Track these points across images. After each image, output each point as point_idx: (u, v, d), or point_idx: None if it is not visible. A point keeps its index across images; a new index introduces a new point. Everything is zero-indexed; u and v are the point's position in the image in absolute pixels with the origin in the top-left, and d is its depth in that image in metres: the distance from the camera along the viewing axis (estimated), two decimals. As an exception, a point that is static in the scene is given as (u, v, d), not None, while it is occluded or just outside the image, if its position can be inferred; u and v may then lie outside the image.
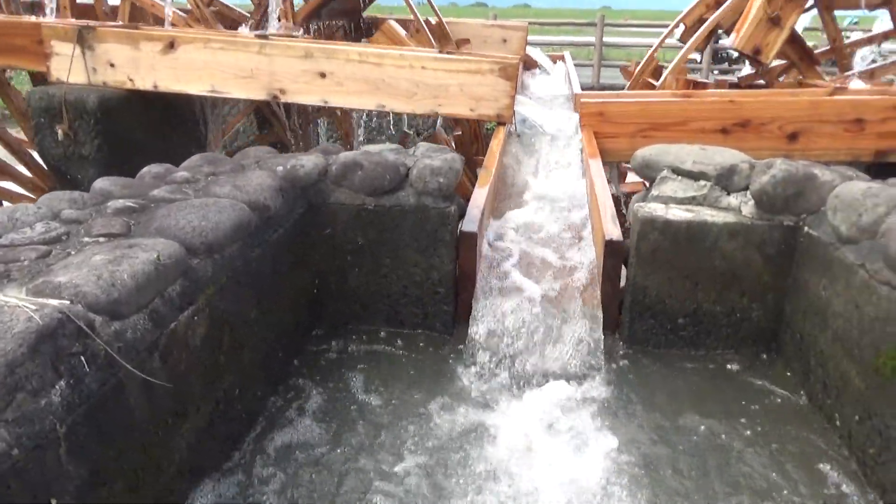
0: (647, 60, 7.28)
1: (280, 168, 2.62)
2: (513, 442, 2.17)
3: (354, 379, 2.48)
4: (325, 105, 4.50)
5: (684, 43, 6.74)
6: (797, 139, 4.17)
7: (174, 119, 4.69)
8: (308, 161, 2.68)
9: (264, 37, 4.43)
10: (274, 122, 6.29)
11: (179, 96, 4.46)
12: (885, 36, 6.70)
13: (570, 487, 1.97)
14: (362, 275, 2.78)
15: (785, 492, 1.96)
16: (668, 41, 7.73)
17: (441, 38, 6.16)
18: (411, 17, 6.22)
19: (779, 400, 2.40)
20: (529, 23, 8.54)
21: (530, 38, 13.26)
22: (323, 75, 4.24)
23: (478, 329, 2.61)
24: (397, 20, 6.21)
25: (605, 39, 15.43)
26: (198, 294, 1.85)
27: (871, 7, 6.54)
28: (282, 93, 4.33)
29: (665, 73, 6.30)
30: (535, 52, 7.39)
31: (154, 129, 4.54)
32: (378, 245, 2.73)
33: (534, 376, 2.49)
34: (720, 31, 6.26)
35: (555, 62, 7.26)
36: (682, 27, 7.18)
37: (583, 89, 5.63)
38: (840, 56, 6.70)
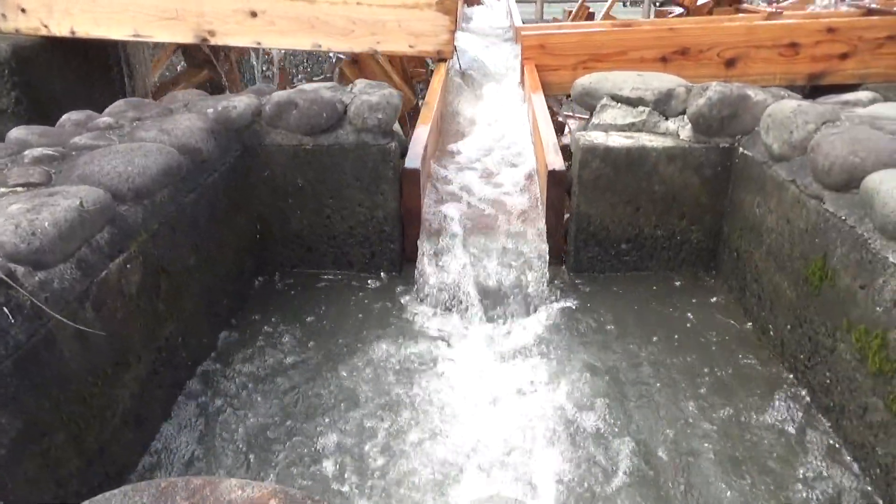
0: (580, 7, 7.17)
1: (211, 110, 2.51)
2: (464, 373, 2.20)
3: (302, 322, 2.46)
4: (259, 46, 4.32)
5: None
6: (735, 65, 4.22)
7: (97, 67, 4.42)
8: (240, 102, 2.57)
9: (188, -26, 4.18)
10: (206, 64, 5.99)
11: (100, 42, 4.21)
12: None
13: (518, 412, 2.02)
14: (305, 217, 2.73)
15: (722, 394, 2.06)
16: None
17: None
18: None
19: (718, 316, 2.50)
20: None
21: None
22: (254, 14, 4.04)
23: (425, 266, 2.61)
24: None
25: (548, -26, 15.17)
26: (128, 241, 1.78)
27: None
28: (211, 35, 4.12)
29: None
30: (475, -13, 7.21)
31: (76, 78, 4.28)
32: (319, 186, 2.67)
33: (482, 309, 2.52)
34: None
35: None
36: None
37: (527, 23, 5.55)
38: None
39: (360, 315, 2.52)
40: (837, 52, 4.18)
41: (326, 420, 1.97)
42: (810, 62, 4.22)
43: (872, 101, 2.65)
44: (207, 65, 5.35)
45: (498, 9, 6.70)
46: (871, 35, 4.11)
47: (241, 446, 1.87)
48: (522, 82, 4.16)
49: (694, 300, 2.60)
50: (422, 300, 2.57)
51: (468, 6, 6.58)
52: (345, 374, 2.18)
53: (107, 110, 2.55)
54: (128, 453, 1.76)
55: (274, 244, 2.77)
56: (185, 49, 5.83)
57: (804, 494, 1.71)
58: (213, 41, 4.19)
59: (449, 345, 2.36)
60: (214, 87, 5.68)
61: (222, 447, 1.87)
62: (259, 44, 4.21)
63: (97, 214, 1.69)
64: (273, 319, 2.48)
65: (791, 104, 2.35)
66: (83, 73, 4.31)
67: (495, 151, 3.27)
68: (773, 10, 4.85)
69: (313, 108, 2.56)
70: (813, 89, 4.16)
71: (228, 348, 2.31)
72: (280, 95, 2.61)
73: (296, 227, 2.75)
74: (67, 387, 1.51)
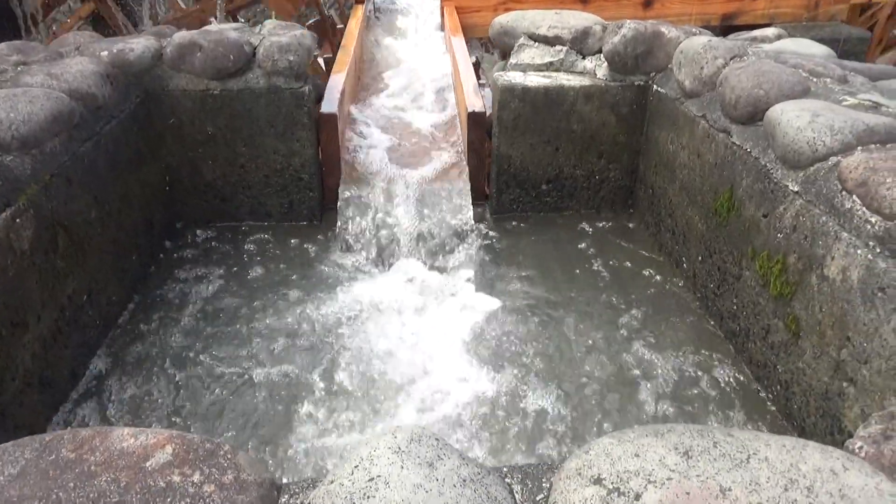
0: None
1: (105, 53, 2.33)
2: (388, 318, 2.19)
3: (220, 276, 2.38)
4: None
5: None
6: (652, 6, 4.25)
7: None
8: (138, 44, 2.40)
9: None
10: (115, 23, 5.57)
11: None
12: None
13: (441, 353, 2.03)
14: (218, 167, 2.61)
15: (636, 324, 2.13)
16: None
17: None
18: None
19: (635, 252, 2.57)
20: None
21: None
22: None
23: (346, 212, 2.55)
24: None
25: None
26: (16, 194, 1.65)
27: None
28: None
29: None
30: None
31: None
32: (231, 133, 2.55)
33: (406, 253, 2.50)
34: None
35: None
36: None
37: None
38: None
39: (282, 265, 2.46)
40: (749, -8, 4.27)
41: (253, 372, 1.93)
42: (724, 2, 4.29)
43: (778, 37, 2.73)
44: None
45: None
46: (780, -25, 4.20)
47: (159, 406, 1.81)
48: (442, 24, 4.07)
49: (612, 237, 2.66)
50: (344, 247, 2.53)
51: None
52: (269, 322, 2.13)
53: (-13, 54, 2.33)
54: (34, 416, 1.67)
55: (186, 196, 2.65)
56: (95, 22, 5.38)
57: (706, 406, 1.81)
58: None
59: (373, 286, 2.34)
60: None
61: (137, 409, 1.80)
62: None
63: (-24, 165, 1.55)
64: (189, 274, 2.39)
65: (702, 40, 2.38)
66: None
67: (414, 94, 3.20)
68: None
69: (219, 50, 2.41)
70: (726, 29, 4.25)
71: (143, 306, 2.22)
72: (182, 36, 2.45)
73: (208, 177, 2.63)
74: (-45, 350, 1.41)
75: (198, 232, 2.65)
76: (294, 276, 2.39)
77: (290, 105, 2.51)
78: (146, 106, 2.42)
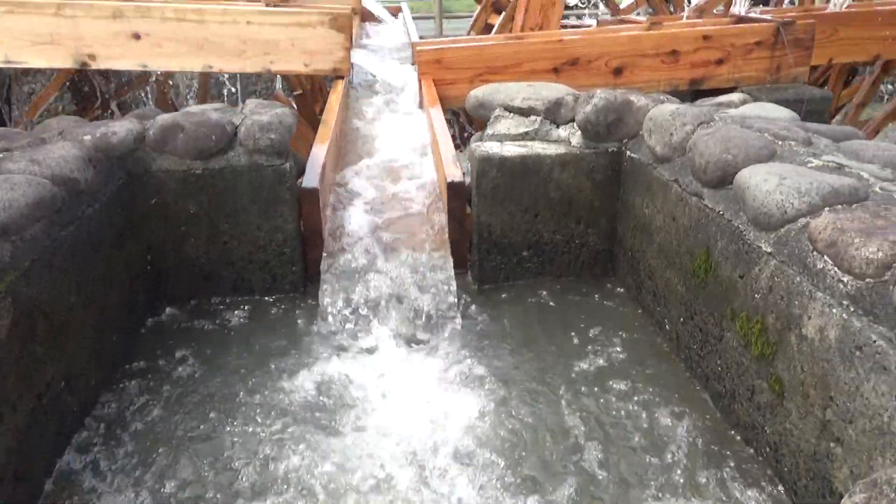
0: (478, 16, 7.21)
1: (88, 137, 2.37)
2: (370, 393, 2.16)
3: (202, 356, 2.35)
4: (145, 70, 4.14)
5: None
6: (622, 73, 4.41)
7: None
8: (121, 127, 2.45)
9: (62, -4, 3.96)
10: (93, 97, 5.69)
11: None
12: None
13: (426, 428, 2.00)
14: (201, 244, 2.62)
15: (624, 389, 2.12)
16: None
17: None
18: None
19: (617, 316, 2.58)
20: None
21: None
22: (138, 36, 3.88)
23: (329, 286, 2.56)
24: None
25: (446, -9, 15.42)
26: (-5, 282, 1.65)
27: None
28: (91, 59, 3.92)
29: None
30: (372, 5, 7.22)
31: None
32: (214, 211, 2.57)
33: (389, 325, 2.49)
34: None
35: (396, 15, 7.15)
36: None
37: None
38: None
39: (264, 341, 2.44)
40: (713, 58, 4.45)
41: (235, 465, 1.88)
42: (690, 68, 4.47)
43: (743, 102, 2.84)
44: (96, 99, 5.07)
45: (396, 25, 6.73)
46: (742, 42, 4.40)
47: (138, 498, 1.76)
48: (420, 97, 4.19)
49: (594, 302, 2.68)
50: (327, 321, 2.51)
51: (365, 23, 6.58)
52: (251, 406, 2.10)
53: (-30, 143, 2.36)
54: (6, 513, 1.61)
55: (168, 274, 2.65)
56: (73, 85, 5.52)
57: (698, 478, 1.79)
58: (95, 65, 3.99)
59: (356, 363, 2.32)
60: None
61: (115, 501, 1.74)
62: (145, 66, 4.04)
63: (-45, 255, 1.55)
64: (170, 355, 2.35)
65: (670, 108, 2.48)
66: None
67: (396, 165, 3.27)
68: (654, 21, 5.11)
69: (201, 131, 2.47)
70: (695, 93, 4.42)
71: (122, 391, 2.17)
72: (164, 119, 2.51)
73: (191, 255, 2.63)
74: (-74, 447, 1.37)
75: (180, 309, 2.63)
76: (275, 353, 2.36)
77: (272, 182, 2.55)
78: (129, 187, 2.45)
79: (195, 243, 2.62)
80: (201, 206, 2.56)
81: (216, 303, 2.68)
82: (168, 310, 2.63)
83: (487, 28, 6.81)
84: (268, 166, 2.53)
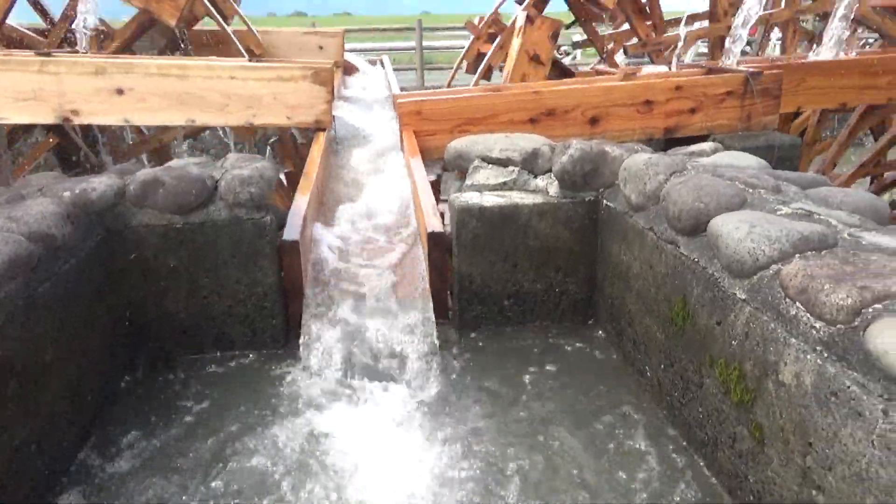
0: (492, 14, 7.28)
1: (67, 193, 2.38)
2: (354, 448, 2.13)
3: (181, 414, 2.31)
4: (127, 124, 4.18)
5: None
6: (598, 123, 4.52)
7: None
8: (100, 183, 2.46)
9: (46, 53, 4.02)
10: (78, 153, 5.68)
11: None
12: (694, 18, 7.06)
13: (407, 485, 1.97)
14: (181, 299, 2.60)
15: (604, 436, 2.11)
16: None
17: (252, 46, 5.94)
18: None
19: (598, 362, 2.59)
20: (347, 30, 8.51)
21: (353, 45, 13.21)
22: (121, 92, 3.93)
23: (310, 339, 2.54)
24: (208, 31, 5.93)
25: (426, 43, 15.83)
26: (-33, 342, 1.62)
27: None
28: (74, 114, 3.95)
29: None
30: (354, 58, 7.38)
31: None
32: (193, 265, 2.57)
33: (371, 379, 2.47)
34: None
35: (378, 65, 7.32)
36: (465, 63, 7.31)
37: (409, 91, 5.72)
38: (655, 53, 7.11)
39: (246, 398, 2.40)
40: (686, 107, 4.58)
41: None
42: (664, 117, 4.59)
43: (715, 151, 2.92)
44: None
45: (377, 77, 6.87)
46: (713, 91, 4.55)
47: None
48: (402, 148, 4.25)
49: (575, 350, 2.68)
50: (309, 374, 2.49)
51: (347, 75, 6.71)
52: (230, 472, 2.05)
53: (-53, 201, 2.35)
54: (-30, 585, 1.55)
55: (147, 330, 2.62)
56: (59, 145, 5.53)
57: (689, 530, 1.77)
58: (78, 120, 4.02)
59: (338, 418, 2.29)
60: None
61: (86, 562, 1.69)
62: (127, 121, 4.07)
63: (-74, 317, 1.53)
64: (148, 414, 2.31)
65: (643, 157, 2.54)
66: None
67: (376, 217, 3.29)
68: (629, 72, 5.26)
69: (181, 186, 2.48)
70: (670, 141, 4.53)
71: (98, 452, 2.12)
72: (145, 174, 2.52)
73: (171, 310, 2.61)
74: None
75: (159, 366, 2.59)
76: (257, 410, 2.33)
77: (253, 235, 2.56)
78: (108, 243, 2.44)
79: (175, 298, 2.60)
80: (181, 261, 2.56)
81: (196, 359, 2.65)
82: (147, 367, 2.59)
83: (480, 57, 6.91)
84: (248, 220, 2.54)
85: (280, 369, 2.57)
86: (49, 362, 1.98)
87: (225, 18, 6.15)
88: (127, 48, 5.28)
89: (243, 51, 5.30)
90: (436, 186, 5.38)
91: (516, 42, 5.55)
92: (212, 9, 5.36)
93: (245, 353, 2.68)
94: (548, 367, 2.55)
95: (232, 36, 5.42)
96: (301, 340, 2.53)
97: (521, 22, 5.51)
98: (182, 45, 5.83)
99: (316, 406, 2.35)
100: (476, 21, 7.13)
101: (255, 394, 2.42)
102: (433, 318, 2.62)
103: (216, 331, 2.67)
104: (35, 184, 2.55)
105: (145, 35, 5.48)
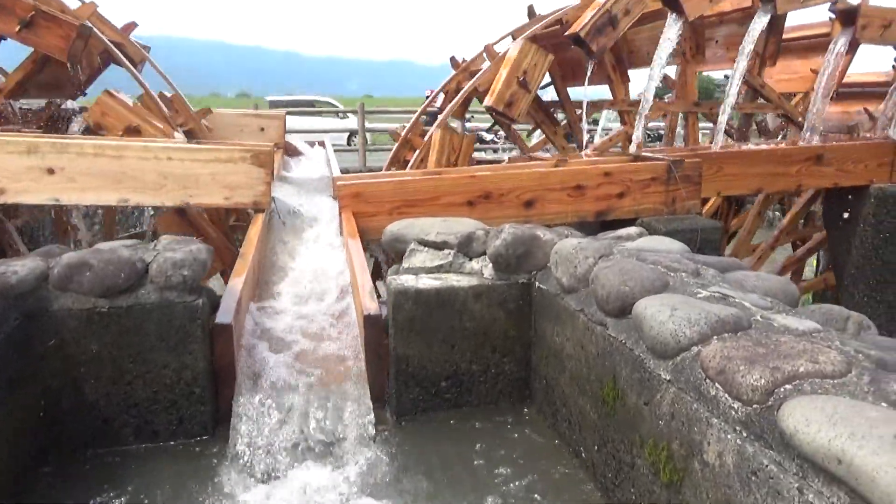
0: (413, 124, 7.63)
1: (-15, 277, 2.28)
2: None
3: (94, 509, 2.17)
4: (57, 204, 4.08)
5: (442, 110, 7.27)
6: (533, 206, 4.68)
7: None
8: (22, 267, 2.37)
9: (-26, 132, 3.93)
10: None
11: None
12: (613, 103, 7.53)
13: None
14: (101, 386, 2.49)
15: (545, 531, 2.08)
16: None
17: (178, 111, 5.94)
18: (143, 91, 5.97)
19: (535, 443, 2.58)
20: (289, 112, 8.67)
21: (296, 125, 13.41)
22: (52, 171, 3.86)
23: (241, 426, 2.45)
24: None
25: (368, 125, 16.23)
26: None
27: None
28: (1, 193, 3.84)
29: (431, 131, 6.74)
30: (296, 140, 7.49)
31: None
32: (118, 350, 2.47)
33: (305, 466, 2.39)
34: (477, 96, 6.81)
35: (317, 147, 7.44)
36: (442, 95, 7.72)
37: (350, 172, 5.81)
38: (576, 131, 7.55)
39: (168, 493, 2.27)
40: (615, 192, 4.82)
41: None
42: (595, 201, 4.80)
43: (640, 235, 3.06)
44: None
45: (319, 159, 6.97)
46: (639, 177, 4.81)
47: None
48: (341, 229, 4.29)
49: (512, 430, 2.67)
50: (238, 465, 2.38)
51: (288, 156, 6.78)
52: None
53: None
54: None
55: (63, 419, 2.47)
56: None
57: None
58: (3, 199, 3.90)
59: (269, 511, 2.20)
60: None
61: None
62: (58, 200, 3.98)
63: None
64: (58, 510, 2.15)
65: (573, 242, 2.64)
66: None
67: (313, 298, 3.27)
68: (561, 157, 5.52)
69: (109, 269, 2.42)
70: (601, 223, 4.72)
71: (-3, 554, 1.95)
72: (71, 257, 2.45)
73: (90, 397, 2.49)
74: None
75: (73, 462, 2.43)
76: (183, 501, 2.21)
77: (183, 319, 2.50)
78: (24, 328, 2.34)
79: (95, 385, 2.48)
80: (104, 345, 2.46)
81: (114, 452, 2.50)
82: (60, 459, 2.43)
83: (403, 164, 7.17)
84: (179, 303, 2.49)
85: (208, 461, 2.45)
86: (-50, 459, 1.85)
87: (134, 64, 6.24)
88: (21, 89, 5.35)
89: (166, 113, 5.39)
90: (377, 266, 5.40)
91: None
92: (113, 49, 5.47)
93: (169, 443, 2.56)
94: (484, 449, 2.53)
95: (157, 100, 5.51)
96: (231, 428, 2.44)
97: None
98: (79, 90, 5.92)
99: (242, 499, 2.25)
100: (399, 130, 7.65)
101: (178, 488, 2.29)
102: (369, 402, 2.58)
103: (139, 419, 2.54)
104: (-50, 267, 2.44)
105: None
